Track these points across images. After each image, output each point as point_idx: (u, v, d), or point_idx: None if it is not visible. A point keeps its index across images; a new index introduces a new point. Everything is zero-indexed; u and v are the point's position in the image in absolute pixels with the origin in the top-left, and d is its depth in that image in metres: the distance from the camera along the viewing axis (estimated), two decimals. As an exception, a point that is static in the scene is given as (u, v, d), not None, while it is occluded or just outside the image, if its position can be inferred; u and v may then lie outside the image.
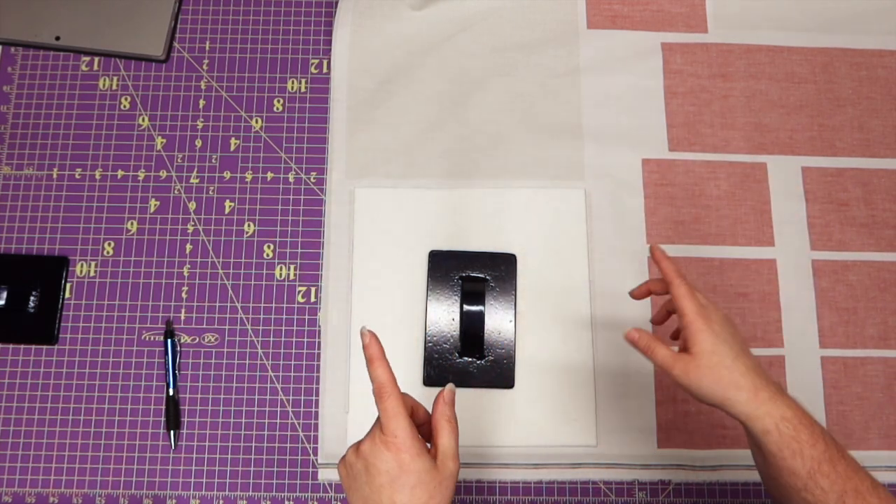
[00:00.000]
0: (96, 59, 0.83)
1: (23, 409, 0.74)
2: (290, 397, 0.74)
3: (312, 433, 0.73)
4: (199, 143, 0.80)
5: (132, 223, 0.78)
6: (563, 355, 0.74)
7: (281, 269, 0.77)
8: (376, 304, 0.75)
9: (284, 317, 0.76)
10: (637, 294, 0.64)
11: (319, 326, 0.76)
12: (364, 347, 0.50)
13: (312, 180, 0.79)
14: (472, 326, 0.73)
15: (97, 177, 0.79)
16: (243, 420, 0.73)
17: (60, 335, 0.75)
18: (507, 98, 0.81)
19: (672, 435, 0.73)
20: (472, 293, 0.74)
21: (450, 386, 0.51)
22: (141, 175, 0.79)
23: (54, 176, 0.79)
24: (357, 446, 0.50)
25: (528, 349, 0.74)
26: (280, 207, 0.79)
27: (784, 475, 0.51)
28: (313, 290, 0.77)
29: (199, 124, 0.81)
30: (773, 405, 0.52)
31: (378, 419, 0.50)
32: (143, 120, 0.81)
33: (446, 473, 0.49)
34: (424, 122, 0.80)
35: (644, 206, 0.78)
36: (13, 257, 0.77)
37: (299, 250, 0.77)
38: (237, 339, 0.75)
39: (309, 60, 0.83)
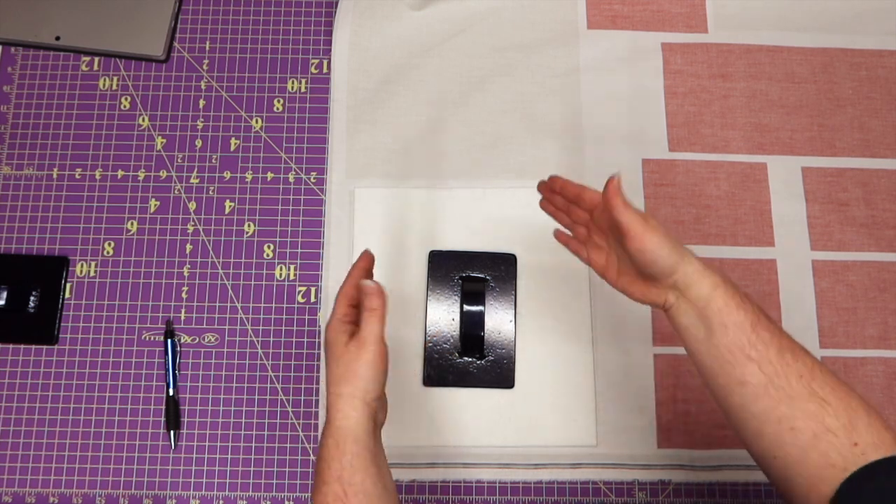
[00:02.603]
0: (96, 59, 0.83)
1: (23, 409, 0.74)
2: (290, 397, 0.74)
3: (312, 433, 0.73)
4: (199, 143, 0.80)
5: (132, 223, 0.78)
6: (563, 355, 0.74)
7: (281, 269, 0.77)
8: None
9: (284, 317, 0.76)
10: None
11: (319, 326, 0.76)
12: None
13: (312, 180, 0.79)
14: (472, 326, 0.73)
15: (97, 177, 0.79)
16: (243, 420, 0.73)
17: (60, 335, 0.75)
18: (507, 98, 0.81)
19: (672, 435, 0.73)
20: (472, 293, 0.74)
21: (372, 285, 0.56)
22: (141, 175, 0.79)
23: (54, 176, 0.79)
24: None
25: (528, 349, 0.74)
26: (280, 207, 0.79)
27: (731, 332, 0.51)
28: (313, 290, 0.77)
29: (199, 124, 0.81)
30: (710, 266, 0.54)
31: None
32: (143, 120, 0.81)
33: (365, 354, 0.54)
34: (424, 122, 0.80)
35: (644, 206, 0.78)
36: (13, 257, 0.77)
37: (299, 250, 0.77)
38: (237, 339, 0.75)
39: (309, 60, 0.83)
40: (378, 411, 0.55)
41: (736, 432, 0.53)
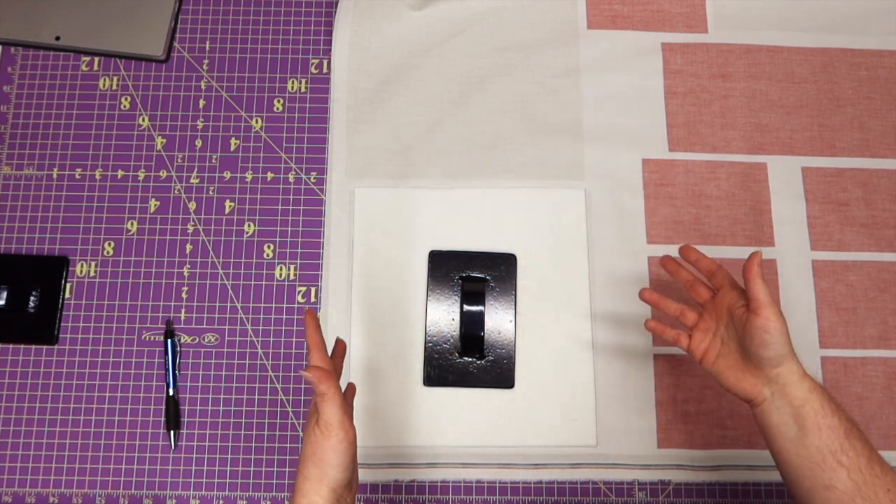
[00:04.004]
0: (96, 59, 0.83)
1: (23, 409, 0.74)
2: (290, 397, 0.74)
3: (312, 433, 0.73)
4: (199, 143, 0.80)
5: (132, 223, 0.78)
6: (563, 355, 0.74)
7: (281, 269, 0.77)
8: (376, 304, 0.75)
9: (284, 317, 0.76)
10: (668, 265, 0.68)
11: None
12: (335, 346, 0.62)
13: (312, 180, 0.79)
14: (472, 326, 0.73)
15: (97, 177, 0.79)
16: (243, 420, 0.73)
17: (60, 335, 0.75)
18: (507, 98, 0.81)
19: (672, 435, 0.73)
20: (472, 293, 0.74)
21: (309, 374, 0.53)
22: (141, 175, 0.79)
23: (54, 176, 0.79)
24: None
25: (528, 349, 0.74)
26: (280, 207, 0.79)
27: (825, 434, 0.53)
28: (313, 290, 0.77)
29: (199, 124, 0.81)
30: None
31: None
32: (143, 120, 0.81)
33: (330, 439, 0.52)
34: (424, 122, 0.80)
35: (644, 206, 0.78)
36: (13, 257, 0.77)
37: (299, 250, 0.77)
38: (237, 339, 0.75)
39: (309, 60, 0.83)
40: (344, 496, 0.53)
41: None
